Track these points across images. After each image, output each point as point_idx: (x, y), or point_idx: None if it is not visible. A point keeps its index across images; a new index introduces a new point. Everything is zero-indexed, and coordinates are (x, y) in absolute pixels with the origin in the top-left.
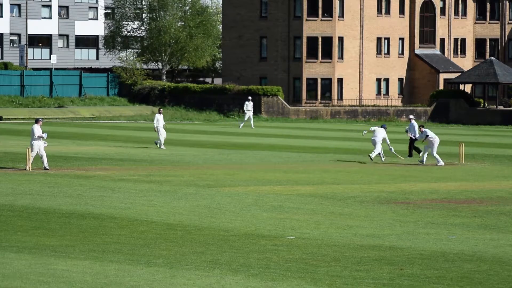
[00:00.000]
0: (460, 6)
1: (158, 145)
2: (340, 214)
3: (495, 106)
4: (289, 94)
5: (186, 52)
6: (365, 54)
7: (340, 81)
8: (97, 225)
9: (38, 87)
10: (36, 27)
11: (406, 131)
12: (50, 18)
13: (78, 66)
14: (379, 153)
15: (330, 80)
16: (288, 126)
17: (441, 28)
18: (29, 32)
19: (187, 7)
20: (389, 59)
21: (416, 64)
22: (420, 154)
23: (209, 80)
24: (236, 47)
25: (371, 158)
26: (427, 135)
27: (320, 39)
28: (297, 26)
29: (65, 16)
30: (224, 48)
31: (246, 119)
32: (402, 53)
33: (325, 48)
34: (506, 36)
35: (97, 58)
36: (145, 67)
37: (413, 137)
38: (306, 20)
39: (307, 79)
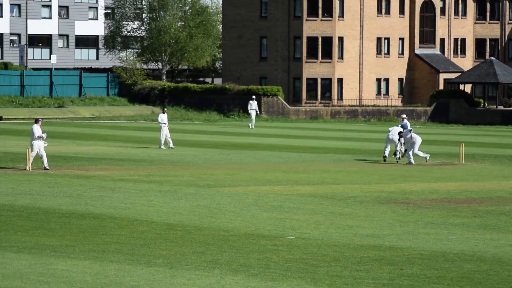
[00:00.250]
0: (460, 6)
1: (170, 146)
2: (340, 214)
3: (495, 106)
4: (289, 94)
5: (186, 52)
6: (365, 54)
7: (340, 81)
8: (97, 225)
9: (38, 87)
10: (36, 27)
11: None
12: (50, 18)
13: (78, 66)
14: (399, 150)
15: (330, 80)
16: (288, 126)
17: (441, 28)
18: (29, 32)
19: (187, 7)
20: (389, 59)
21: (416, 64)
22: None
23: (209, 80)
24: (236, 47)
25: (400, 157)
26: (410, 130)
27: (320, 39)
28: (297, 26)
29: (65, 16)
30: (224, 48)
31: (253, 117)
32: (402, 53)
33: (325, 48)
34: (506, 36)
35: (97, 58)
36: (145, 67)
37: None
38: (306, 20)
39: (307, 79)
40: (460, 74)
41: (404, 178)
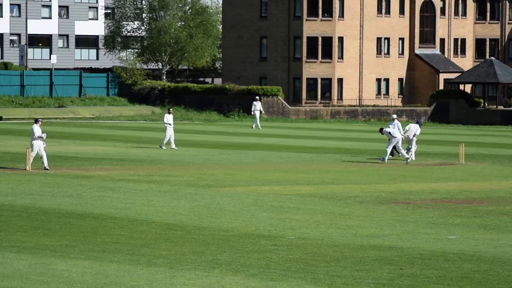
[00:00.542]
0: (460, 6)
1: (172, 147)
2: (340, 214)
3: (495, 106)
4: (289, 94)
5: (186, 52)
6: (365, 54)
7: (340, 81)
8: (97, 225)
9: (38, 87)
10: (36, 27)
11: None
12: (50, 18)
13: (78, 66)
14: (410, 149)
15: (330, 80)
16: (288, 126)
17: (441, 28)
18: (29, 32)
19: (187, 7)
20: (389, 59)
21: (416, 64)
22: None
23: (209, 80)
24: (236, 47)
25: (411, 159)
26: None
27: (320, 39)
28: (297, 26)
29: (65, 16)
30: (224, 48)
31: (257, 118)
32: (402, 53)
33: (325, 48)
34: (506, 36)
35: (97, 58)
36: (145, 67)
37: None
38: (306, 20)
39: (307, 79)
40: (460, 74)
41: (404, 178)
